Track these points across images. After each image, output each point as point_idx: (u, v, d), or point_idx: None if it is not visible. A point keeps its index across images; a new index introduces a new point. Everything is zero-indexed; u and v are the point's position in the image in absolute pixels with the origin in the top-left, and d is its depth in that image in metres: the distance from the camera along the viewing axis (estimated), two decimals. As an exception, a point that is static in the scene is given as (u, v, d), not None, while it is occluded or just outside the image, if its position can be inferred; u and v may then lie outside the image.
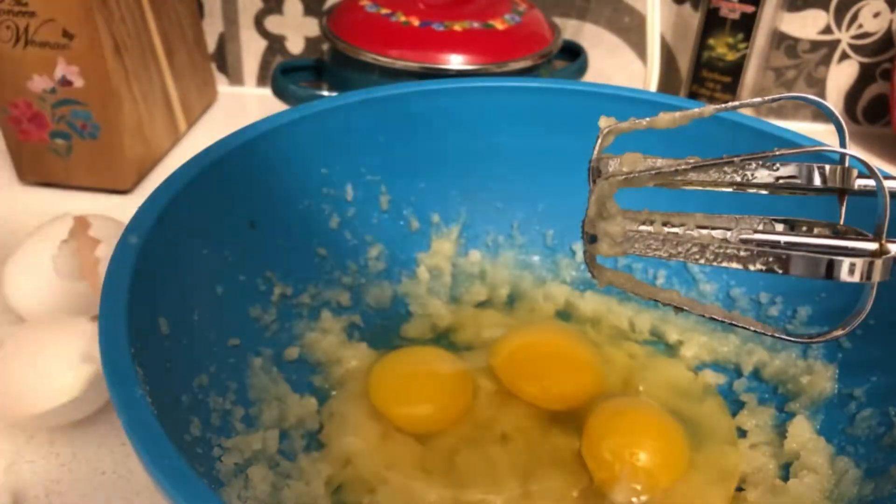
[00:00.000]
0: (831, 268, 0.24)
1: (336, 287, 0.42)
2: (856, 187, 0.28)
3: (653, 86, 0.65)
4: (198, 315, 0.33)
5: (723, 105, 0.29)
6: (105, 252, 0.41)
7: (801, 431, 0.35)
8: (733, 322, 0.27)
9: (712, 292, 0.43)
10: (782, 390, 0.38)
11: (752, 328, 0.27)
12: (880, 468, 0.32)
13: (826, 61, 0.67)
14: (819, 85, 0.68)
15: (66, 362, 0.34)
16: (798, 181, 0.27)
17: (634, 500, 0.32)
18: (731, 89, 0.64)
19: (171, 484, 0.21)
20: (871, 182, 0.27)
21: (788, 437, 0.35)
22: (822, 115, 0.69)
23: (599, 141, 0.29)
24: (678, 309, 0.28)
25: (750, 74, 0.63)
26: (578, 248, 0.46)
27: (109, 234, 0.41)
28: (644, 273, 0.45)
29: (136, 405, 0.23)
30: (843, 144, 0.28)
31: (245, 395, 0.34)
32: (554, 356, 0.39)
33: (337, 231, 0.42)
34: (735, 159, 0.26)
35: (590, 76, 0.61)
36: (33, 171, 0.54)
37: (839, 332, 0.26)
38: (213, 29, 0.68)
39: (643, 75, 0.68)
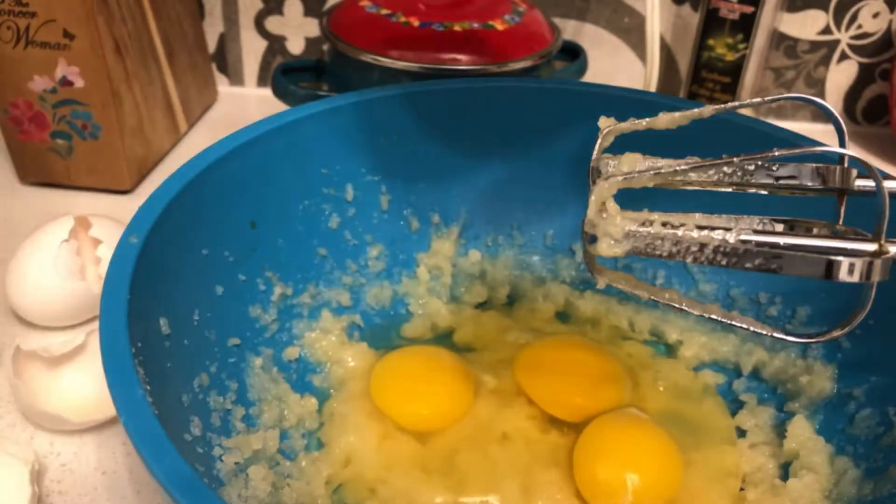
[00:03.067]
0: (830, 268, 0.24)
1: (336, 287, 0.42)
2: (855, 187, 0.28)
3: (652, 86, 0.65)
4: (198, 315, 0.33)
5: (722, 105, 0.29)
6: (105, 252, 0.41)
7: (801, 431, 0.35)
8: (732, 322, 0.27)
9: (712, 292, 0.43)
10: (782, 390, 0.38)
11: (751, 328, 0.27)
12: (879, 468, 0.32)
13: (825, 62, 0.67)
14: (818, 85, 0.68)
15: None
16: (797, 181, 0.27)
17: None
18: (731, 90, 0.64)
19: (172, 483, 0.21)
20: (870, 182, 0.27)
21: (788, 436, 0.35)
22: (822, 115, 0.69)
23: (599, 141, 0.29)
24: (678, 309, 0.28)
25: (749, 75, 0.63)
26: (578, 248, 0.46)
27: (109, 234, 0.41)
28: (644, 273, 0.45)
29: (136, 405, 0.23)
30: (842, 145, 0.28)
31: (245, 394, 0.34)
32: (581, 368, 0.38)
33: (337, 231, 0.42)
34: (734, 160, 0.26)
35: (590, 76, 0.61)
36: (34, 172, 0.54)
37: (838, 332, 0.26)
38: (213, 29, 0.68)
39: (643, 76, 0.68)
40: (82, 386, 0.37)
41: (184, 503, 0.20)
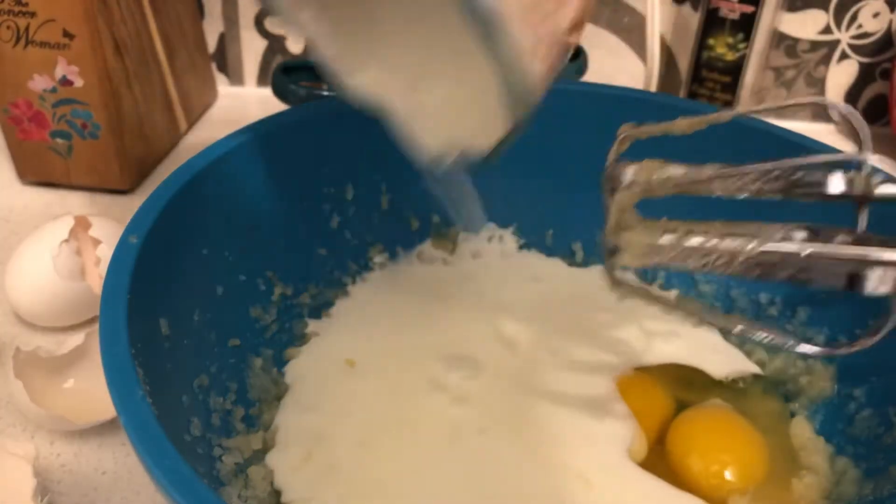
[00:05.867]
0: (861, 280, 0.23)
1: (336, 287, 0.42)
2: (876, 195, 0.27)
3: (653, 86, 0.65)
4: (198, 315, 0.33)
5: (741, 110, 0.28)
6: (105, 252, 0.41)
7: (801, 431, 0.35)
8: (755, 333, 0.27)
9: (711, 293, 0.43)
10: (782, 390, 0.38)
11: (774, 339, 0.27)
12: (880, 468, 0.32)
13: (826, 61, 0.67)
14: (819, 85, 0.68)
15: None
16: (820, 189, 0.27)
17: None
18: (731, 89, 0.64)
19: (172, 484, 0.21)
20: (892, 189, 0.27)
21: (788, 436, 0.35)
22: (822, 114, 0.69)
23: (615, 147, 0.29)
24: (698, 321, 0.28)
25: (749, 74, 0.63)
26: (578, 248, 0.46)
27: (109, 234, 0.41)
28: (644, 273, 0.45)
29: (136, 405, 0.23)
30: (863, 151, 0.28)
31: (245, 395, 0.34)
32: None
33: (337, 231, 0.42)
34: (757, 167, 0.26)
35: (590, 76, 0.61)
36: (34, 171, 0.54)
37: (864, 342, 0.26)
38: (213, 29, 0.68)
39: (643, 75, 0.68)
40: (82, 386, 0.37)
41: (183, 503, 0.20)
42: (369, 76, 0.25)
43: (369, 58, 0.25)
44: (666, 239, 0.25)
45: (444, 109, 0.26)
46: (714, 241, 0.25)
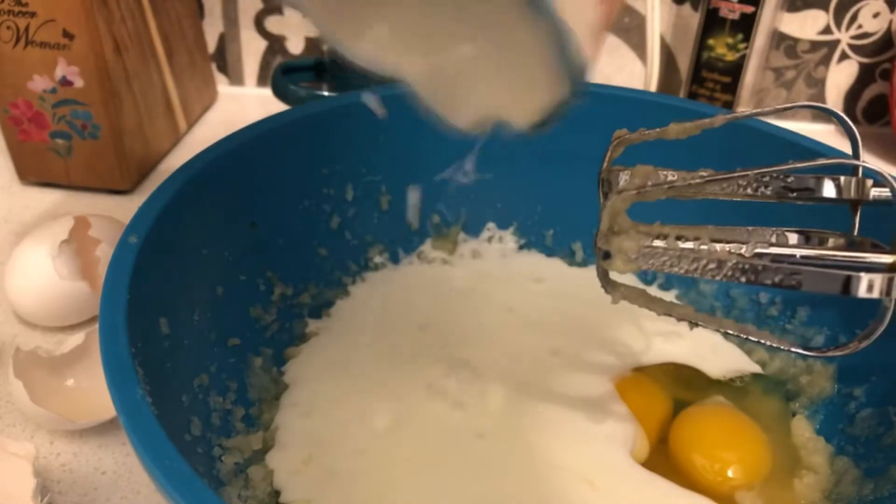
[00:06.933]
0: (851, 284, 0.23)
1: (336, 287, 0.42)
2: (870, 197, 0.27)
3: (652, 86, 0.65)
4: (198, 315, 0.33)
5: (733, 114, 0.28)
6: (105, 252, 0.41)
7: (801, 431, 0.35)
8: (748, 336, 0.27)
9: (711, 293, 0.43)
10: (782, 390, 0.38)
11: (767, 342, 0.27)
12: (880, 468, 0.32)
13: (826, 61, 0.67)
14: (819, 85, 0.68)
15: None
16: (813, 192, 0.27)
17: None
18: (731, 89, 0.64)
19: (172, 484, 0.21)
20: (885, 191, 0.27)
21: (789, 436, 0.35)
22: (822, 115, 0.69)
23: (609, 152, 0.29)
24: (693, 324, 0.27)
25: (749, 75, 0.63)
26: (578, 248, 0.46)
27: (109, 234, 0.41)
28: (644, 273, 0.45)
29: (136, 405, 0.23)
30: (856, 154, 0.27)
31: (245, 394, 0.34)
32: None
33: (337, 231, 0.42)
34: (749, 173, 0.26)
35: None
36: (33, 171, 0.54)
37: (856, 345, 0.26)
38: (213, 29, 0.68)
39: (643, 75, 0.68)
40: (82, 386, 0.37)
41: (183, 503, 0.20)
42: (371, 43, 0.23)
43: (367, 21, 0.22)
44: (657, 243, 0.25)
45: (471, 76, 0.23)
46: (705, 246, 0.25)
